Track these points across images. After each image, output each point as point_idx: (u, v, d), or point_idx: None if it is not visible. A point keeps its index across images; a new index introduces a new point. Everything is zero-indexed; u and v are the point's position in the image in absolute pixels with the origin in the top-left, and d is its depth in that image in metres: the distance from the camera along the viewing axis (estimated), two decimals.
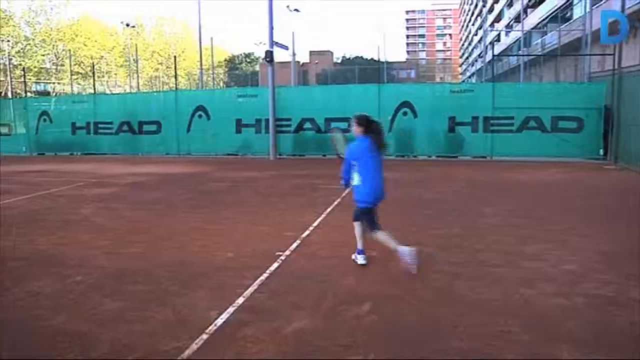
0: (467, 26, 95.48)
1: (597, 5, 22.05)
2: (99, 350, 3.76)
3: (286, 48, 19.40)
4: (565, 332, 3.96)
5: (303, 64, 63.63)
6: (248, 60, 72.16)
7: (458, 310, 4.37)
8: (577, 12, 28.10)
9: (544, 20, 35.54)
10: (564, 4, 31.29)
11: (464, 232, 7.05)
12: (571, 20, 28.99)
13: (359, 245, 5.75)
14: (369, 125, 5.49)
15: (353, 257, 5.81)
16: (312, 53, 68.42)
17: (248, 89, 24.61)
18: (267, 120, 17.40)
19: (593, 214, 8.32)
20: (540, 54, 31.88)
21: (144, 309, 4.48)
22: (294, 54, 40.04)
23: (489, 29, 61.39)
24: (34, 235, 7.27)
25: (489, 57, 40.17)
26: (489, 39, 59.37)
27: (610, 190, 10.57)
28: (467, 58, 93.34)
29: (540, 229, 7.17)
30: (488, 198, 9.62)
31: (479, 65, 61.78)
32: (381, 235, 5.59)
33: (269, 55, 17.09)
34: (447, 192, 10.29)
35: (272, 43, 17.26)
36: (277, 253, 6.05)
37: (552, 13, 33.72)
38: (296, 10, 46.18)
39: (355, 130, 5.50)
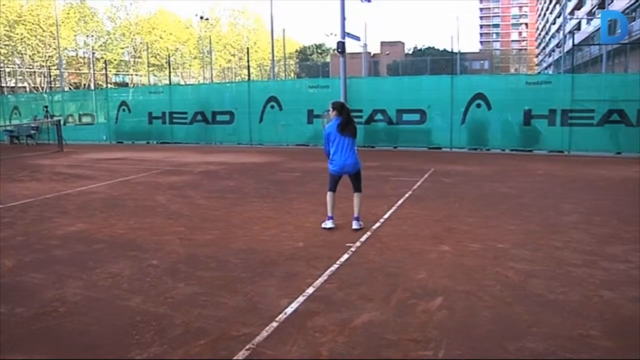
0: (545, 14, 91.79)
1: None
2: (174, 332, 3.87)
3: (358, 39, 19.27)
4: None
5: (374, 54, 63.18)
6: (319, 51, 72.41)
7: (533, 310, 4.20)
8: None
9: (632, 5, 33.54)
10: None
11: (540, 229, 6.78)
12: None
13: (328, 212, 6.90)
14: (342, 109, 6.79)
15: (323, 225, 6.88)
16: (383, 44, 67.80)
17: (319, 79, 24.66)
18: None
19: None
20: (627, 42, 30.09)
21: (216, 295, 4.58)
22: (365, 45, 39.80)
23: (569, 16, 58.79)
24: (113, 220, 7.60)
25: (568, 46, 38.44)
26: (568, 27, 56.90)
27: None
28: (543, 48, 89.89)
29: (624, 228, 6.78)
30: (567, 194, 9.22)
31: (556, 55, 59.35)
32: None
33: (341, 46, 17.03)
34: (523, 187, 9.94)
35: (344, 34, 17.20)
36: (348, 244, 6.04)
37: None
38: (367, 0, 45.87)
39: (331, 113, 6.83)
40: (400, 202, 8.44)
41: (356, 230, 6.67)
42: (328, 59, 63.06)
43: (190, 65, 62.39)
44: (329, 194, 6.94)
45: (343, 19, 17.15)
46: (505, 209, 7.94)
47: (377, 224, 7.01)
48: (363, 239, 6.31)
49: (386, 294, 4.56)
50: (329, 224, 6.84)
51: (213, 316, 4.15)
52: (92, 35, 55.85)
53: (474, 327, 3.92)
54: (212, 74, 53.54)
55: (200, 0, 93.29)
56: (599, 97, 14.70)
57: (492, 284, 4.77)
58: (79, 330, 3.98)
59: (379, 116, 17.17)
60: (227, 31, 68.32)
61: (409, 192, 9.25)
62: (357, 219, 6.81)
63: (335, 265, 5.30)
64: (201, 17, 58.18)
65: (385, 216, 7.43)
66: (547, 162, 13.41)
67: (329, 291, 4.64)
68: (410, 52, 69.19)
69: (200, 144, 20.31)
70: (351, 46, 19.40)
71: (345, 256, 5.62)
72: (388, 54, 62.16)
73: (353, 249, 5.87)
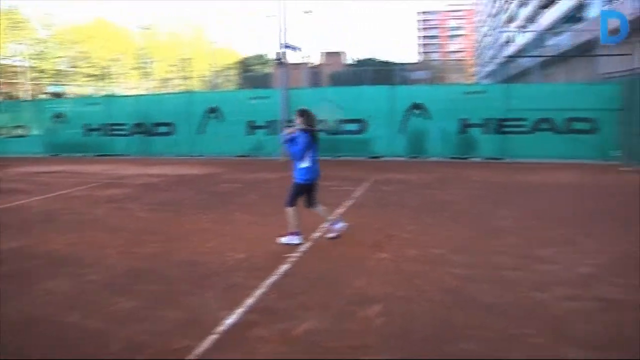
0: (481, 27, 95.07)
1: (609, 6, 21.93)
2: (113, 347, 3.81)
3: (298, 49, 19.39)
4: (578, 336, 3.95)
5: (316, 65, 63.62)
6: (261, 62, 72.36)
7: (470, 313, 4.36)
8: (591, 13, 27.90)
9: (557, 21, 35.26)
10: (577, 5, 31.13)
11: (477, 234, 7.01)
12: (584, 21, 28.76)
13: (295, 228, 6.60)
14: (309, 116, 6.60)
15: (285, 240, 6.58)
16: (325, 54, 68.41)
17: (260, 90, 24.66)
18: (279, 122, 17.39)
19: (608, 216, 8.23)
20: (553, 54, 31.56)
21: (156, 308, 4.52)
22: (306, 55, 40.08)
23: (503, 29, 61.04)
24: (49, 235, 7.35)
25: (502, 58, 39.88)
26: (502, 40, 59.06)
27: (625, 192, 10.43)
28: (480, 59, 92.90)
29: (554, 231, 7.11)
30: (501, 200, 9.57)
31: (492, 66, 61.50)
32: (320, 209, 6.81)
33: (281, 56, 17.11)
34: (460, 194, 10.24)
35: (284, 45, 17.29)
36: (288, 254, 6.06)
37: (565, 14, 33.53)
38: (309, 11, 46.35)
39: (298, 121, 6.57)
40: (341, 211, 8.52)
41: (340, 231, 6.77)
42: (270, 70, 63.09)
43: (129, 76, 61.18)
44: (294, 209, 6.58)
45: (283, 30, 17.25)
46: (443, 216, 8.16)
47: (318, 234, 7.05)
48: (304, 248, 6.35)
49: (326, 302, 4.61)
50: (295, 239, 6.57)
51: (153, 330, 4.09)
52: (26, 44, 53.98)
53: (412, 332, 4.02)
54: (151, 85, 52.67)
55: (141, 9, 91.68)
56: (530, 106, 15.34)
57: (431, 289, 4.91)
58: (17, 348, 3.85)
59: (319, 126, 17.27)
60: (167, 41, 67.40)
61: (350, 201, 9.37)
62: (335, 222, 6.81)
63: (276, 276, 5.32)
64: (141, 27, 57.25)
65: (326, 225, 7.48)
66: (481, 169, 13.87)
67: (269, 302, 4.65)
68: (352, 62, 70.01)
69: (140, 156, 19.91)
70: (292, 56, 19.51)
71: (286, 266, 5.64)
72: (330, 65, 62.71)
73: (294, 259, 5.90)
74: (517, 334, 3.96)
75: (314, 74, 57.48)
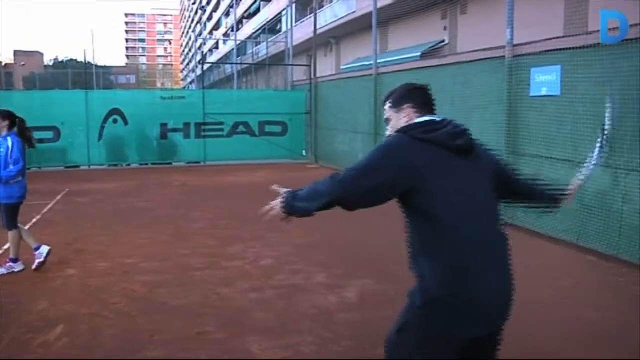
0: (188, 32, 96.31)
1: (298, 22, 24.38)
2: None
3: None
4: (255, 324, 4.31)
5: (6, 64, 56.93)
6: None
7: (157, 319, 4.40)
8: (284, 27, 30.62)
9: (257, 31, 37.81)
10: (274, 18, 33.81)
11: (171, 239, 7.11)
12: (279, 34, 31.40)
13: (16, 254, 5.75)
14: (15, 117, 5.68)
15: (4, 270, 5.65)
16: (17, 53, 61.69)
17: None
18: None
19: None
20: (250, 63, 33.76)
21: None
22: None
23: (208, 36, 62.93)
24: None
25: (207, 64, 41.14)
26: (207, 47, 60.85)
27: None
28: (188, 64, 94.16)
29: (245, 228, 7.60)
30: (199, 203, 9.84)
31: (199, 71, 63.01)
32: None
33: None
34: (159, 200, 10.22)
35: None
36: None
37: (263, 25, 36.13)
38: None
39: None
40: (25, 228, 7.73)
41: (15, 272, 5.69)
42: None
43: None
44: (17, 231, 5.76)
45: None
46: (139, 224, 8.06)
47: None
48: None
49: None
50: (18, 266, 5.75)
51: None
52: None
53: (95, 349, 3.90)
54: None
55: None
56: (227, 110, 16.09)
57: (118, 301, 4.82)
58: None
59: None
60: None
61: (38, 217, 8.57)
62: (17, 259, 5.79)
63: None
64: None
65: (5, 247, 6.60)
66: (183, 174, 14.05)
67: None
68: (51, 63, 64.53)
69: None
70: None
71: None
72: (24, 65, 56.72)
73: None
74: (201, 332, 4.15)
75: (5, 75, 51.29)
